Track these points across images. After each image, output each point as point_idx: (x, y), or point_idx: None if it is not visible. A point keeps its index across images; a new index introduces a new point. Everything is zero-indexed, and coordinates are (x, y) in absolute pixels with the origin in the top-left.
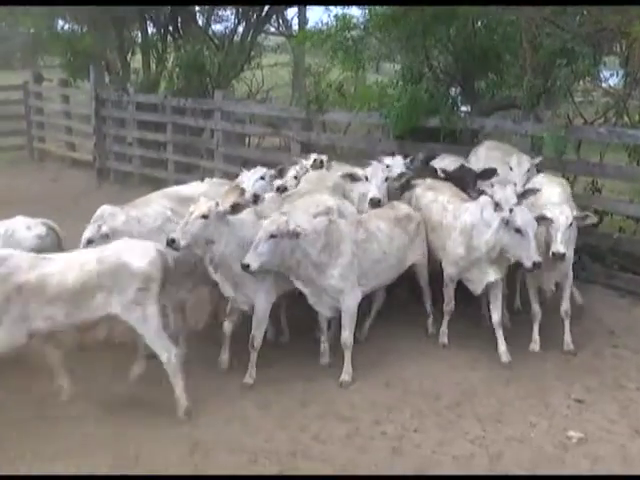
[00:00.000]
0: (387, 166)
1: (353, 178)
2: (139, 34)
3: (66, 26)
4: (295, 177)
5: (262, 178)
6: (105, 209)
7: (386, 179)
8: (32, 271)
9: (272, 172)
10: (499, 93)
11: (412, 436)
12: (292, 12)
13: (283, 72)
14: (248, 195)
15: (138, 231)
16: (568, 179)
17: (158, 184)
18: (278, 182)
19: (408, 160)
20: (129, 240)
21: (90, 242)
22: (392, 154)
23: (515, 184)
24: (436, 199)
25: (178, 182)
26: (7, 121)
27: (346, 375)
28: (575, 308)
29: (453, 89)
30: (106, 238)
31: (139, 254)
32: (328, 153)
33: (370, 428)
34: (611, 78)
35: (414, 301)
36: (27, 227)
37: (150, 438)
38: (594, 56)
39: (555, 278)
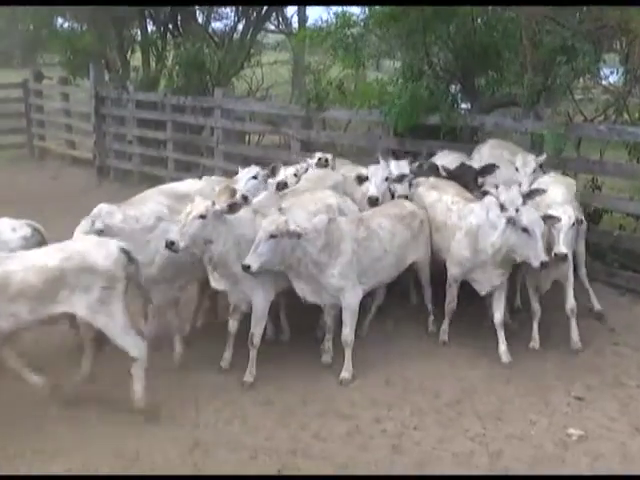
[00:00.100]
0: (386, 178)
1: (360, 180)
2: (139, 32)
3: (66, 24)
4: (295, 174)
5: (254, 177)
6: (102, 207)
7: (386, 179)
8: None
9: (265, 171)
10: (499, 90)
11: (412, 434)
12: (292, 10)
13: (283, 70)
14: (238, 196)
15: (134, 229)
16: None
17: (158, 182)
18: (278, 179)
19: (415, 166)
20: (93, 238)
21: None
22: (394, 155)
23: (520, 184)
24: (440, 199)
25: (178, 180)
26: (7, 119)
27: (346, 373)
28: (594, 314)
29: (453, 86)
30: (100, 234)
31: (103, 253)
32: (328, 151)
33: (370, 426)
34: (611, 75)
35: (415, 299)
36: (12, 229)
37: (150, 436)
38: (594, 53)
39: (555, 277)
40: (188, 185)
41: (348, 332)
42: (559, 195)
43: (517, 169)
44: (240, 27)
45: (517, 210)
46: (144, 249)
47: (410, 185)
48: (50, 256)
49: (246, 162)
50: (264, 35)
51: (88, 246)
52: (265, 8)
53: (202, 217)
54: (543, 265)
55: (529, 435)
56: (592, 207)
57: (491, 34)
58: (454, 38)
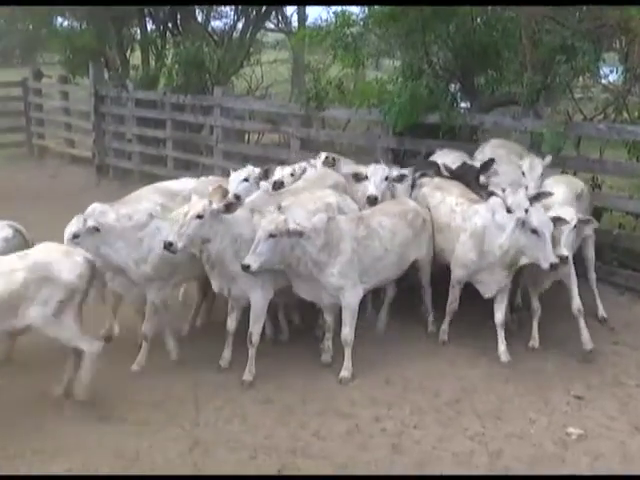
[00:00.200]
0: (386, 177)
1: (358, 178)
2: (138, 31)
3: (65, 23)
4: (292, 174)
5: (246, 180)
6: (95, 207)
7: (386, 178)
8: None
9: (257, 173)
10: (499, 89)
11: (412, 433)
12: (291, 9)
13: (282, 69)
14: (230, 196)
15: (126, 227)
16: (566, 173)
17: (157, 180)
18: (274, 178)
19: (418, 175)
20: (59, 247)
21: (76, 237)
22: (394, 154)
23: (527, 187)
24: (444, 200)
25: (177, 178)
26: (6, 118)
27: (346, 372)
28: (597, 320)
29: (453, 85)
30: (92, 232)
31: (68, 266)
32: (327, 149)
33: (370, 425)
34: (611, 74)
35: (415, 299)
36: None
37: (150, 436)
38: (594, 52)
39: (555, 278)
40: (182, 184)
41: (348, 331)
42: (559, 195)
43: (523, 173)
44: (240, 26)
45: (526, 211)
46: (137, 247)
47: (414, 186)
48: (14, 266)
49: (245, 161)
50: (264, 34)
51: (54, 257)
52: (265, 7)
53: (199, 217)
54: (553, 267)
55: (529, 434)
56: (592, 206)
57: (491, 33)
58: (454, 37)
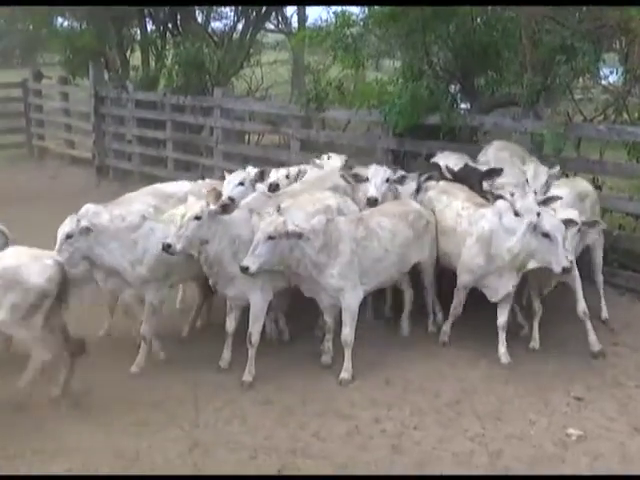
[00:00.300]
0: (387, 179)
1: (357, 179)
2: (138, 31)
3: (65, 23)
4: (287, 176)
5: (241, 184)
6: (89, 207)
7: (387, 180)
8: None
9: (252, 176)
10: (499, 90)
11: (412, 433)
12: (291, 9)
13: (282, 69)
14: (224, 198)
15: (119, 228)
16: (567, 176)
17: (157, 181)
18: (270, 180)
19: (423, 179)
20: (28, 251)
21: (69, 237)
22: (393, 155)
23: (536, 192)
24: (450, 204)
25: (177, 180)
26: (6, 119)
27: (346, 373)
28: (601, 321)
29: (453, 86)
30: (86, 233)
31: (37, 270)
32: (327, 150)
33: (370, 426)
34: (611, 75)
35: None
36: None
37: (150, 436)
38: (594, 53)
39: (559, 279)
40: (177, 186)
41: (348, 332)
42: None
43: (527, 180)
44: (240, 27)
45: (539, 215)
46: (131, 249)
47: (419, 189)
48: None
49: (245, 162)
50: (264, 35)
51: (23, 261)
52: (265, 8)
53: (197, 218)
54: (565, 270)
55: (528, 435)
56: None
57: (491, 34)
58: (454, 38)
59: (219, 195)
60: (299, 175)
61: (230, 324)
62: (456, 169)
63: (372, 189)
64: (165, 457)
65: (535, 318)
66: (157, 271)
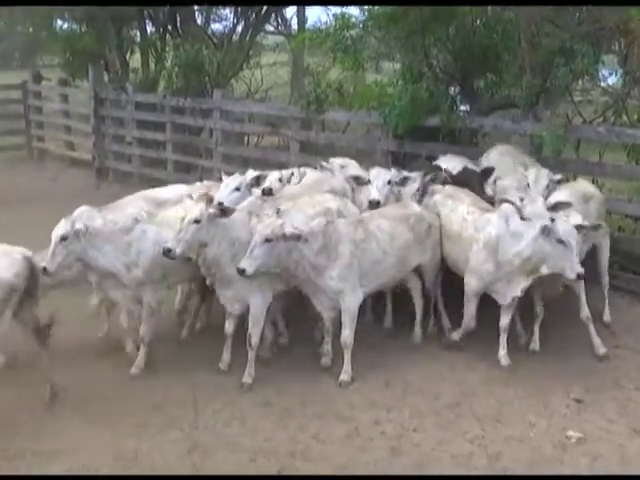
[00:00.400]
0: (388, 181)
1: (359, 181)
2: (138, 33)
3: (65, 25)
4: (280, 180)
5: (237, 189)
6: (83, 210)
7: (389, 182)
8: None
9: (248, 181)
10: (498, 92)
11: (411, 435)
12: (291, 11)
13: (282, 71)
14: (214, 203)
15: (113, 230)
16: (567, 179)
17: (157, 183)
18: (265, 185)
19: (427, 180)
20: None
21: (64, 239)
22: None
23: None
24: (455, 208)
25: (177, 182)
26: (6, 120)
27: (345, 375)
28: (601, 324)
29: (452, 88)
30: (80, 235)
31: (5, 265)
32: (327, 152)
33: (369, 428)
34: (610, 77)
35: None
36: None
37: (149, 437)
38: (593, 55)
39: (562, 282)
40: (171, 191)
41: (347, 334)
42: (561, 199)
43: (528, 185)
44: (239, 28)
45: (552, 220)
46: (126, 251)
47: (425, 193)
48: None
49: (245, 163)
50: (263, 36)
51: None
52: (264, 9)
53: (197, 222)
54: (579, 277)
55: (528, 437)
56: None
57: (490, 36)
58: (453, 40)
59: (210, 199)
60: (292, 177)
61: (229, 326)
62: (454, 172)
63: (374, 192)
64: (164, 458)
65: (536, 321)
66: (153, 273)
